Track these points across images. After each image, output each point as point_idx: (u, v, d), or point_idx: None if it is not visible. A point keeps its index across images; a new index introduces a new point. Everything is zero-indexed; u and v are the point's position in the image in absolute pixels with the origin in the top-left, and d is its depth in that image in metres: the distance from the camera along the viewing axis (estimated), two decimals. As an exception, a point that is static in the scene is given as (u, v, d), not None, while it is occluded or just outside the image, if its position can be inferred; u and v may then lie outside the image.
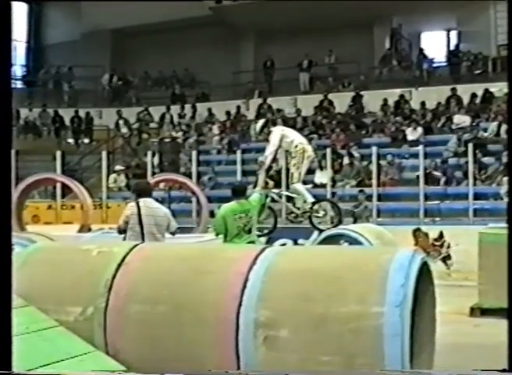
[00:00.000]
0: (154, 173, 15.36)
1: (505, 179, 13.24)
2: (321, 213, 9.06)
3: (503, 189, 13.16)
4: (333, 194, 14.37)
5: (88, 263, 4.07)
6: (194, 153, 16.12)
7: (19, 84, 23.95)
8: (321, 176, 14.97)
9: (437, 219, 13.71)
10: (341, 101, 19.03)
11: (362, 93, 19.00)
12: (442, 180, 14.36)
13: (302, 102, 19.54)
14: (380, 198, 14.37)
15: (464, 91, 17.59)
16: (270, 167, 9.34)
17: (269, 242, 9.78)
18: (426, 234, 11.78)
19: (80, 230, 11.09)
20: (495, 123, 15.48)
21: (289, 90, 20.57)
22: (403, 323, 3.38)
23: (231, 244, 6.89)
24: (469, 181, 13.79)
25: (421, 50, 21.03)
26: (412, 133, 16.27)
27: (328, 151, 14.89)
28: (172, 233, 7.11)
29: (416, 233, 11.80)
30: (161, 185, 15.03)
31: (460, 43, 21.12)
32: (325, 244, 8.27)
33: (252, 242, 7.28)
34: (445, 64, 21.10)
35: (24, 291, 3.76)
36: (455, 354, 5.28)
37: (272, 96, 20.25)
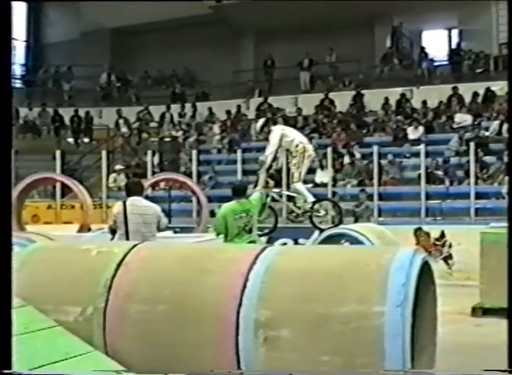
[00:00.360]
0: (154, 173, 15.36)
1: (507, 178, 13.21)
2: (322, 213, 9.03)
3: (505, 188, 13.13)
4: (334, 193, 14.35)
5: (88, 263, 4.06)
6: (194, 152, 16.11)
7: (18, 84, 23.93)
8: (322, 176, 14.96)
9: (438, 218, 13.70)
10: (342, 100, 19.01)
11: (363, 92, 18.98)
12: (444, 179, 14.34)
13: (303, 101, 19.54)
14: (381, 197, 14.36)
15: (466, 89, 17.57)
16: (270, 166, 9.30)
17: (270, 242, 9.77)
18: (427, 234, 11.77)
19: (80, 230, 11.07)
20: (496, 122, 15.46)
21: (289, 89, 20.54)
22: (404, 323, 3.36)
23: (231, 244, 6.87)
24: (471, 180, 13.78)
25: (422, 49, 21.01)
26: (413, 132, 16.24)
27: (329, 150, 14.87)
28: (161, 230, 7.10)
29: (417, 232, 11.78)
30: (162, 184, 15.03)
31: (461, 41, 21.11)
32: (325, 244, 8.23)
33: (253, 242, 7.26)
34: (446, 63, 21.08)
35: (23, 291, 3.75)
36: (456, 354, 5.25)
37: (272, 95, 20.24)
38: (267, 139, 9.12)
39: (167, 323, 3.72)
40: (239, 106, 20.03)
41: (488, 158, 14.50)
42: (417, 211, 13.86)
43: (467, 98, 17.44)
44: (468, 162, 14.03)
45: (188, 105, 20.70)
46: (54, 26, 24.86)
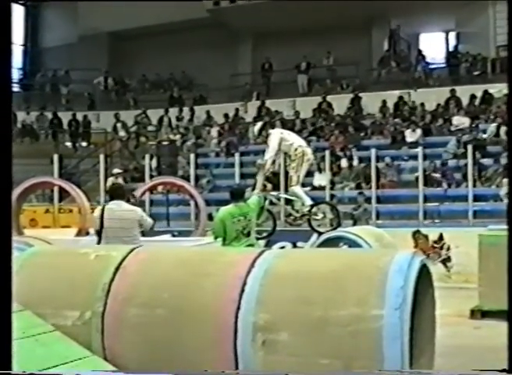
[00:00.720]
0: (152, 176, 15.33)
1: (504, 180, 13.23)
2: (320, 216, 9.03)
3: (503, 191, 13.14)
4: (332, 196, 14.35)
5: (86, 267, 4.05)
6: (192, 156, 16.10)
7: (16, 88, 23.92)
8: (320, 179, 14.96)
9: (437, 221, 13.71)
10: (340, 103, 19.04)
11: (361, 95, 19.01)
12: (442, 181, 14.35)
13: (300, 104, 19.55)
14: (379, 200, 14.37)
15: (463, 92, 17.60)
16: (268, 170, 9.30)
17: (268, 245, 9.76)
18: (426, 236, 11.77)
19: (78, 234, 11.05)
20: (494, 125, 15.47)
21: (287, 92, 20.56)
22: (402, 326, 3.35)
23: (229, 248, 6.86)
24: (468, 183, 13.78)
25: (419, 51, 21.03)
26: (411, 135, 16.26)
27: (327, 153, 14.88)
28: (149, 230, 7.12)
29: (415, 235, 11.78)
30: (160, 188, 15.01)
31: (458, 44, 21.13)
32: (324, 247, 8.23)
33: (251, 245, 7.25)
34: (444, 65, 21.12)
35: (21, 296, 3.73)
36: (455, 356, 5.26)
37: (270, 98, 20.27)
38: (265, 142, 9.13)
39: (165, 327, 3.72)
40: (237, 109, 20.05)
41: (485, 161, 14.52)
42: (416, 213, 13.86)
43: (465, 101, 17.48)
44: (466, 164, 14.04)
45: (186, 109, 20.72)
46: (51, 31, 24.87)
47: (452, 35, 21.88)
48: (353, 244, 8.35)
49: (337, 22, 20.03)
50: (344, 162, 15.77)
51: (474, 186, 13.83)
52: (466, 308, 8.14)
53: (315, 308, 3.50)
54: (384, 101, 18.28)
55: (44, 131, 21.23)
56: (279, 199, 9.53)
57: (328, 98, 19.34)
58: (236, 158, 15.82)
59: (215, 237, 7.53)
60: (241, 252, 4.73)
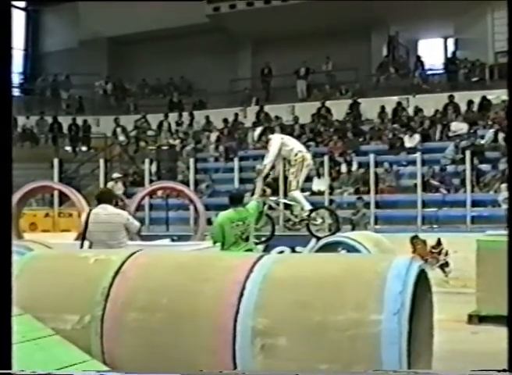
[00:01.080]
0: (151, 181, 15.35)
1: (503, 186, 13.25)
2: (319, 221, 9.05)
3: (501, 196, 13.17)
4: (331, 201, 14.36)
5: (85, 271, 4.06)
6: (192, 161, 16.11)
7: (16, 92, 23.96)
8: (319, 184, 14.97)
9: (435, 226, 13.72)
10: (338, 109, 19.06)
11: (359, 100, 19.03)
12: (440, 187, 14.37)
13: (299, 110, 19.57)
14: (378, 205, 14.38)
15: (462, 98, 17.62)
16: (268, 175, 9.32)
17: (267, 250, 9.78)
18: (424, 242, 11.78)
19: (78, 238, 11.04)
20: (492, 131, 15.50)
21: (286, 97, 20.60)
22: (400, 331, 3.37)
23: (228, 252, 6.88)
24: (467, 188, 13.80)
25: (418, 57, 21.09)
26: (410, 141, 16.29)
27: (326, 158, 14.88)
28: (135, 233, 7.14)
29: (414, 240, 11.79)
30: (159, 193, 15.03)
31: (457, 50, 21.18)
32: (322, 252, 8.25)
33: (250, 250, 7.27)
34: (442, 71, 21.17)
35: (21, 300, 3.74)
36: (453, 361, 5.26)
37: (269, 103, 20.29)
38: (264, 147, 9.15)
39: (164, 331, 3.72)
40: (236, 115, 20.06)
41: (484, 167, 14.54)
42: (414, 219, 13.86)
43: (463, 107, 17.49)
44: (464, 170, 14.05)
45: (185, 114, 20.74)
46: (52, 35, 24.92)
47: (450, 41, 21.96)
48: (351, 249, 8.36)
49: (336, 28, 20.10)
50: (343, 168, 15.80)
51: (473, 191, 13.84)
52: (464, 313, 8.14)
53: (314, 313, 3.51)
54: (383, 107, 18.30)
55: (44, 136, 21.25)
56: (278, 204, 9.55)
57: (327, 103, 19.36)
58: (236, 163, 15.83)
59: (214, 242, 7.55)
60: (240, 257, 4.74)
